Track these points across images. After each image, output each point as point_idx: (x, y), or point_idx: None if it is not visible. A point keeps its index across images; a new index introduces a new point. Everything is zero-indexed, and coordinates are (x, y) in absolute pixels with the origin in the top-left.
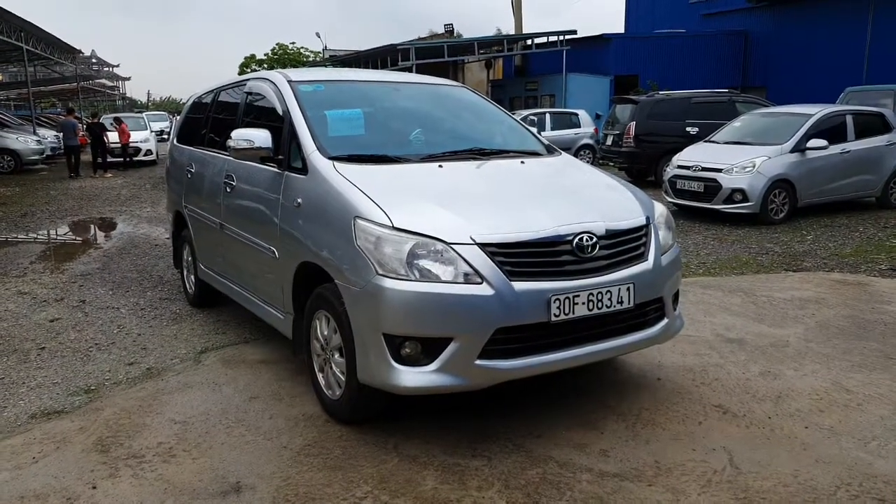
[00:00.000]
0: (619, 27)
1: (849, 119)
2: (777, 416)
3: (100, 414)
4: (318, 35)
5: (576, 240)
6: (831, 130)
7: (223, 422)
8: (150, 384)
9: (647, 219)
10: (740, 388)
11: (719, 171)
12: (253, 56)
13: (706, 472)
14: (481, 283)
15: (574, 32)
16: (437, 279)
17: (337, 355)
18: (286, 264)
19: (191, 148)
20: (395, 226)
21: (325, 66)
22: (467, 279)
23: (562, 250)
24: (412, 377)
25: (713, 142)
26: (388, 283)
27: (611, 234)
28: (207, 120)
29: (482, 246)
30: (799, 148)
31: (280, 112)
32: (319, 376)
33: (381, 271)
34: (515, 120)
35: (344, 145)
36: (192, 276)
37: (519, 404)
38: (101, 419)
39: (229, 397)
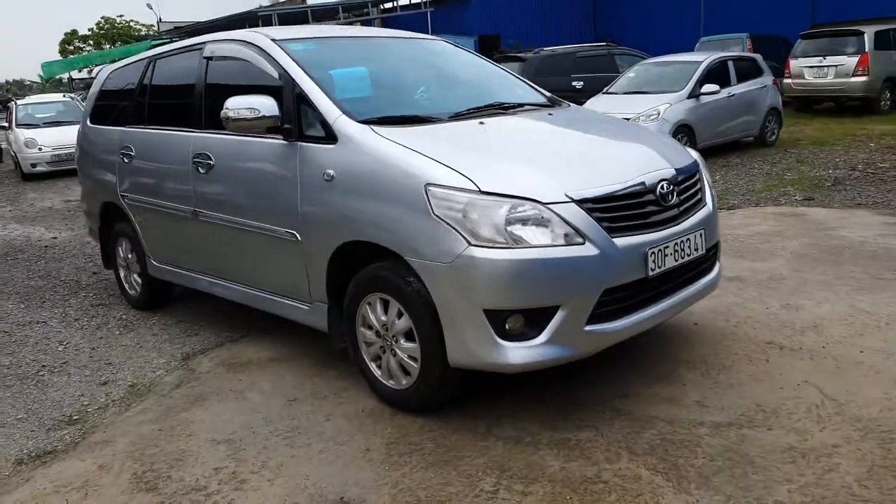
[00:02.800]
0: None
1: (730, 65)
2: (828, 344)
3: (113, 447)
4: (149, 6)
5: (657, 188)
6: (718, 76)
7: (276, 433)
8: (151, 403)
9: (696, 161)
10: (775, 322)
11: (626, 119)
12: (75, 32)
13: (810, 407)
14: (584, 243)
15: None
16: (537, 244)
17: (403, 340)
18: (316, 248)
19: (122, 128)
20: (483, 189)
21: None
22: (568, 240)
23: (647, 200)
24: (521, 353)
25: (612, 93)
26: (486, 254)
27: (679, 180)
28: (144, 94)
29: (579, 203)
30: (694, 94)
31: (275, 76)
32: (372, 366)
33: (474, 242)
34: (504, 69)
35: (363, 107)
36: (137, 276)
37: (577, 368)
38: (121, 452)
39: (263, 404)
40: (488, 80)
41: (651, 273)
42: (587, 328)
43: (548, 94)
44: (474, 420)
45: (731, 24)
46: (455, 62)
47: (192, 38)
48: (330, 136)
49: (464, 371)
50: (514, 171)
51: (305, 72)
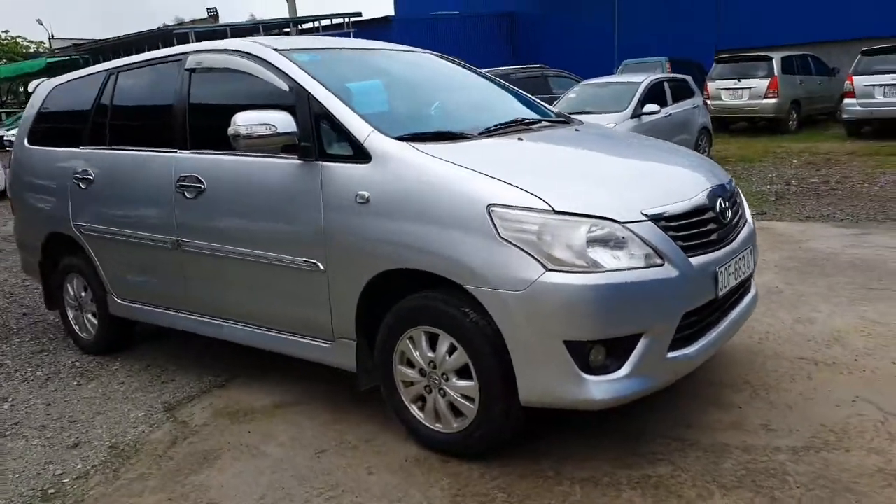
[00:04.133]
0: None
1: (666, 85)
2: (859, 357)
3: None
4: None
5: (717, 204)
6: (655, 96)
7: (315, 493)
8: (147, 467)
9: (731, 178)
10: (797, 337)
11: None
12: None
13: (875, 425)
14: (663, 264)
15: (359, 14)
16: (618, 266)
17: (456, 378)
18: (345, 278)
19: (75, 150)
20: (558, 209)
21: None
22: (648, 261)
23: (709, 218)
24: (605, 387)
25: None
26: (566, 279)
27: (728, 196)
28: (104, 111)
29: (655, 220)
30: (636, 113)
31: (285, 89)
32: (413, 409)
33: (552, 266)
34: (507, 85)
35: (389, 123)
36: (92, 316)
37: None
38: None
39: (287, 459)
40: (496, 94)
41: (720, 293)
42: (670, 355)
43: (553, 108)
44: (536, 462)
45: (643, 49)
46: (458, 75)
47: (164, 50)
48: (361, 155)
49: (526, 410)
50: (581, 190)
51: (323, 85)
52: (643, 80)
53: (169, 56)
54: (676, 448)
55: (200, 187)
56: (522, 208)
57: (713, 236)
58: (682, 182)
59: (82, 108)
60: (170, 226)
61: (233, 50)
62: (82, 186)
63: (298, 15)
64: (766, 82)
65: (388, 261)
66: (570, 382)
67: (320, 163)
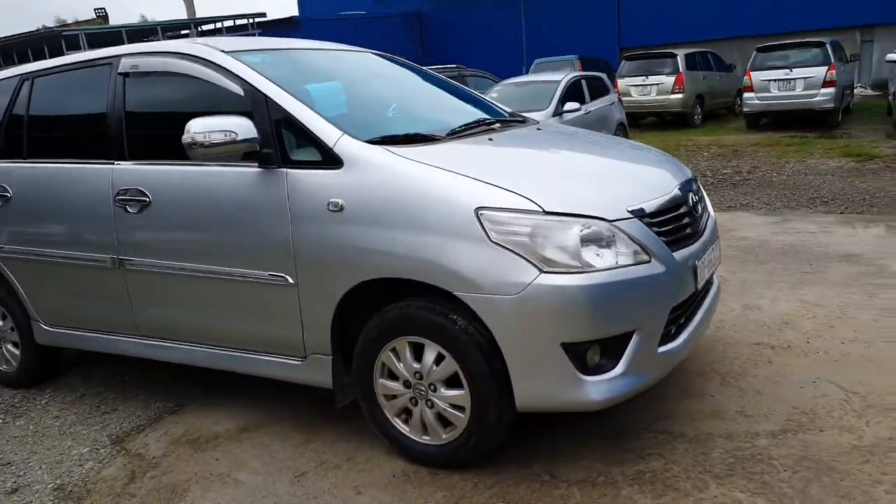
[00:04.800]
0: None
1: (583, 83)
2: (810, 339)
3: None
4: None
5: (689, 198)
6: (574, 94)
7: None
8: None
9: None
10: (751, 323)
11: None
12: None
13: (841, 403)
14: (650, 261)
15: (264, 15)
16: (610, 265)
17: (444, 389)
18: (319, 290)
19: None
20: (548, 210)
21: None
22: (637, 258)
23: (684, 212)
24: (602, 387)
25: None
26: (562, 280)
27: (695, 190)
28: (19, 121)
29: (640, 217)
30: (558, 112)
31: (238, 93)
32: (397, 422)
33: (546, 268)
34: (456, 84)
35: (355, 125)
36: (12, 346)
37: None
38: None
39: (266, 486)
40: (448, 94)
41: (699, 286)
42: (661, 350)
43: (506, 107)
44: (528, 466)
45: (551, 48)
46: (406, 76)
47: (89, 53)
48: (330, 160)
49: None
50: (565, 189)
51: (282, 87)
52: (562, 78)
53: (96, 59)
54: (663, 441)
55: (145, 201)
56: (513, 210)
57: (688, 230)
58: (656, 177)
59: None
60: (109, 243)
61: (173, 52)
62: None
63: (197, 16)
64: (672, 78)
65: (367, 270)
66: (569, 385)
67: (285, 170)
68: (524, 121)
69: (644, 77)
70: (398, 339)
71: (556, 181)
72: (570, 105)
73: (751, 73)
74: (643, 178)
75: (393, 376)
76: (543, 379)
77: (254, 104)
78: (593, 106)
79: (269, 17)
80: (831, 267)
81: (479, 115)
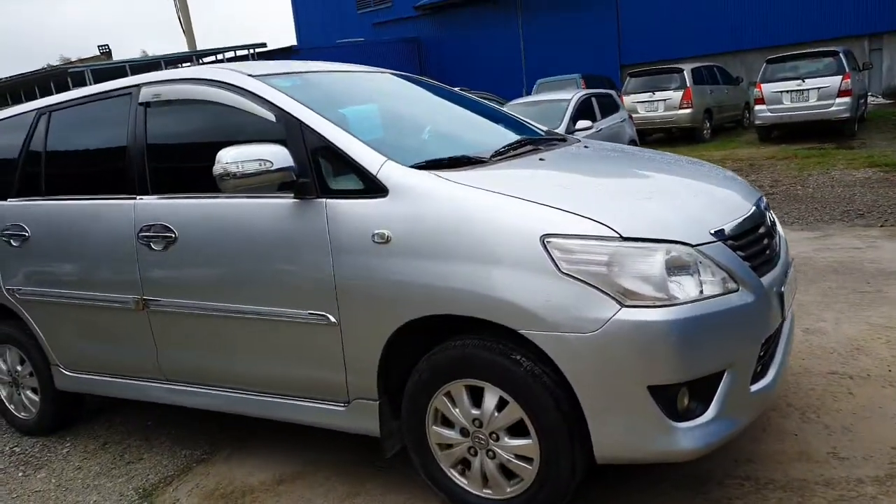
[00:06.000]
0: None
1: (594, 101)
2: (892, 367)
3: None
4: None
5: (767, 217)
6: (585, 112)
7: None
8: None
9: None
10: (817, 350)
11: None
12: None
13: None
14: (738, 289)
15: (264, 45)
16: (699, 296)
17: (507, 437)
18: (365, 329)
19: (1, 203)
20: (626, 236)
21: None
22: (725, 287)
23: (763, 233)
24: (695, 435)
25: None
26: (647, 315)
27: (768, 208)
28: (36, 158)
29: (724, 240)
30: (570, 130)
31: (270, 119)
32: (453, 474)
33: (628, 301)
34: (484, 102)
35: (397, 151)
36: (32, 393)
37: None
38: None
39: None
40: (479, 113)
41: (785, 314)
42: (753, 388)
43: (541, 126)
44: None
45: (551, 68)
46: (432, 96)
47: (103, 84)
48: (373, 188)
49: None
50: (640, 212)
51: (317, 112)
52: (572, 96)
53: (114, 90)
54: (751, 489)
55: (171, 237)
56: (586, 237)
57: (767, 252)
58: (728, 196)
59: (7, 156)
60: (132, 283)
61: (198, 79)
62: (14, 244)
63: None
64: (679, 93)
65: (418, 307)
66: (657, 433)
67: (324, 200)
68: (564, 139)
69: (651, 93)
70: (454, 383)
71: (625, 203)
72: (581, 123)
73: (761, 84)
74: (715, 197)
75: (448, 423)
76: (627, 427)
77: (288, 131)
78: (604, 123)
79: (270, 48)
80: (891, 285)
81: (519, 134)
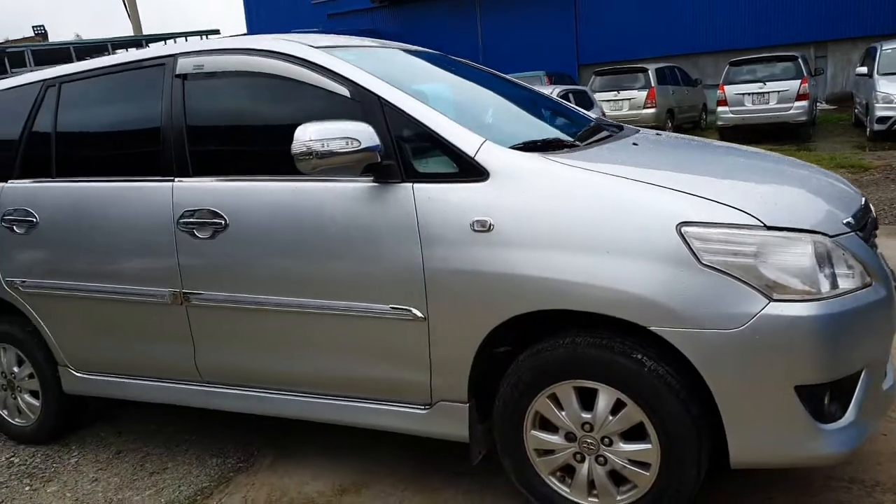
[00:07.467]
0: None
1: (571, 97)
2: None
3: None
4: None
5: (872, 208)
6: None
7: None
8: None
9: None
10: None
11: None
12: None
13: None
14: (871, 283)
15: (217, 32)
16: (843, 289)
17: (622, 443)
18: (458, 325)
19: (6, 184)
20: (770, 224)
21: None
22: (863, 280)
23: (871, 221)
24: (840, 439)
25: None
26: (798, 310)
27: None
28: (44, 135)
29: (857, 231)
30: None
31: (344, 94)
32: (553, 482)
33: (777, 295)
34: (524, 84)
35: (488, 132)
36: (30, 397)
37: None
38: None
39: None
40: (530, 96)
41: None
42: (885, 387)
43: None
44: None
45: (509, 65)
46: (479, 77)
47: (131, 53)
48: (469, 171)
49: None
50: (773, 199)
51: (399, 88)
52: (551, 92)
53: (139, 61)
54: (861, 493)
55: (219, 224)
56: (728, 225)
57: (871, 240)
58: (842, 186)
59: (7, 132)
60: (170, 274)
61: (252, 49)
62: (17, 231)
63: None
64: (644, 93)
65: (528, 301)
66: (803, 436)
67: (411, 184)
68: (621, 127)
69: (616, 92)
70: (561, 384)
71: (751, 190)
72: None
73: (724, 86)
74: (833, 187)
75: (549, 427)
76: (770, 429)
77: (365, 108)
78: None
79: (222, 36)
80: None
81: (585, 119)
